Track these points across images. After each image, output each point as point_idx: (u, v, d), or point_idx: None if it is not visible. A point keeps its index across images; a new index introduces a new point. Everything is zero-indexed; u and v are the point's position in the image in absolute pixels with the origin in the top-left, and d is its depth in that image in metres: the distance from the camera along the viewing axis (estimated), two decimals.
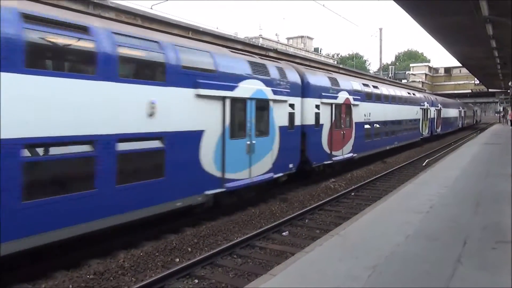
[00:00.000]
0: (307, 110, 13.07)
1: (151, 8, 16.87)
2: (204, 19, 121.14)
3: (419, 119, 27.61)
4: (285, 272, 4.99)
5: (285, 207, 10.85)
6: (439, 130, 33.98)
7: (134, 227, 7.93)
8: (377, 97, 19.67)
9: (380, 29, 45.14)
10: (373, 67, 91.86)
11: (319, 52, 68.26)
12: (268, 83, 10.85)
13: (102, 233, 6.94)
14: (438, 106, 33.20)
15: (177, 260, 7.08)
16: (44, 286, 5.94)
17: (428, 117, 30.04)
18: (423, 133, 28.85)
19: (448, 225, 6.84)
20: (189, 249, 7.56)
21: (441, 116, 34.71)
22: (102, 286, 6.03)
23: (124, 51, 7.18)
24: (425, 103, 29.05)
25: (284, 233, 8.65)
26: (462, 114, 46.97)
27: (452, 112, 41.10)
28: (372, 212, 7.95)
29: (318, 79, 14.09)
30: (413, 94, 27.71)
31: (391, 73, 54.40)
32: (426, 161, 19.28)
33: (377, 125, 19.69)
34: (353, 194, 12.54)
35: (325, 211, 10.57)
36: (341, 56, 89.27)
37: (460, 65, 31.95)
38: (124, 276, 6.37)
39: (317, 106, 13.65)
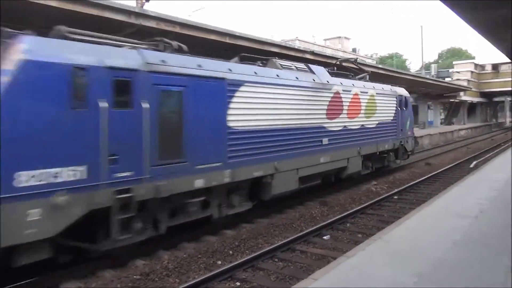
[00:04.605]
0: None
1: (189, 16, 17.31)
2: (241, 24, 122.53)
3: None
4: (327, 277, 4.95)
5: (325, 210, 10.73)
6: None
7: (176, 229, 8.13)
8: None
9: (421, 27, 43.68)
10: (415, 66, 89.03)
11: (357, 52, 67.11)
12: None
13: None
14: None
15: (219, 262, 7.18)
16: (95, 285, 6.23)
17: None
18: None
19: (499, 230, 6.51)
20: (231, 252, 7.65)
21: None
22: (148, 286, 6.24)
23: None
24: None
25: (325, 237, 8.55)
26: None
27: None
28: (417, 216, 7.72)
29: None
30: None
31: (434, 72, 52.37)
32: (474, 162, 18.39)
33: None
34: (396, 197, 12.19)
35: (367, 215, 10.34)
36: (380, 56, 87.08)
37: (510, 60, 30.27)
38: (169, 277, 6.54)
39: None
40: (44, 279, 6.21)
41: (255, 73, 9.34)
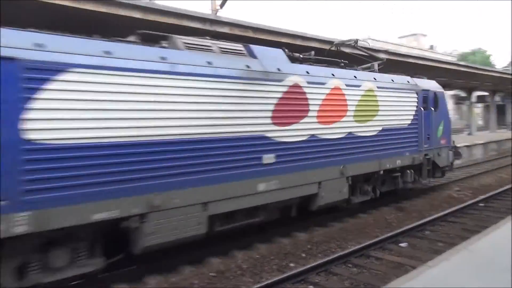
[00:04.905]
0: None
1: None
2: (313, 25, 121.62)
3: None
4: (407, 286, 4.72)
5: (401, 216, 10.24)
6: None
7: (249, 230, 8.27)
8: None
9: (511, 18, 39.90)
10: (503, 62, 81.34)
11: (434, 49, 63.23)
12: None
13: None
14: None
15: (292, 264, 7.18)
16: (174, 279, 6.58)
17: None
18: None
19: None
20: (303, 255, 7.62)
21: None
22: (223, 284, 6.44)
23: None
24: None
25: (402, 244, 8.16)
26: None
27: None
28: (508, 226, 7.05)
29: None
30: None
31: None
32: None
33: None
34: (481, 205, 11.25)
35: (448, 223, 9.67)
36: (461, 52, 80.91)
37: None
38: (243, 276, 6.70)
39: None
40: (129, 272, 6.66)
41: (106, 53, 5.78)
